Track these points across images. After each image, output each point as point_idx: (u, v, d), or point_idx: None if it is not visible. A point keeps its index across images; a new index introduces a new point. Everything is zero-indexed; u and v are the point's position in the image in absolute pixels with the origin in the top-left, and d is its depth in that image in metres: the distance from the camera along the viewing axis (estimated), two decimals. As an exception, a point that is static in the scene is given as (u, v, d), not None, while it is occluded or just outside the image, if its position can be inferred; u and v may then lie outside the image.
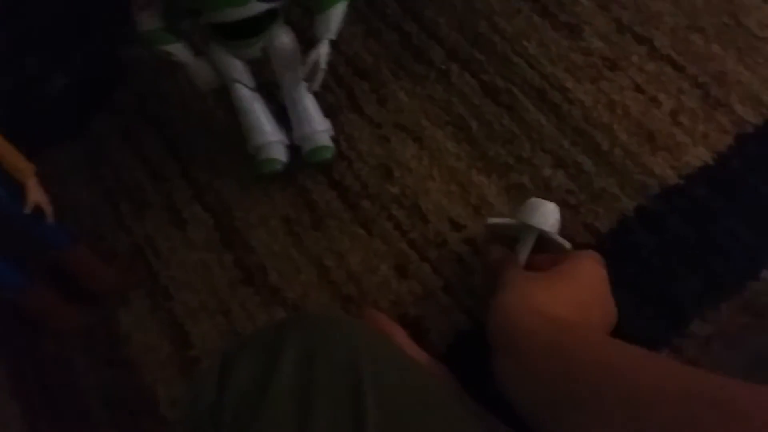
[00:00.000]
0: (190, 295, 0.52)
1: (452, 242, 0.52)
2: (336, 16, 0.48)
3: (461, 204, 0.54)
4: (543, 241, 0.46)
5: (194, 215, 0.56)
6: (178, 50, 0.50)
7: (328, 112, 0.58)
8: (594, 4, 0.61)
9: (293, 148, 0.56)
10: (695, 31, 0.59)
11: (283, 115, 0.55)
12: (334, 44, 0.63)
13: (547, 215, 0.46)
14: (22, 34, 0.55)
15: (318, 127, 0.54)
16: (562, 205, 0.52)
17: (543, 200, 0.46)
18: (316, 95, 0.57)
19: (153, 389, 0.49)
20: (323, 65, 0.49)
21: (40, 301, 0.49)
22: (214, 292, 0.52)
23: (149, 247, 0.55)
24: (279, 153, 0.54)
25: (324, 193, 0.56)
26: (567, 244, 0.45)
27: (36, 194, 0.45)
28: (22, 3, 0.53)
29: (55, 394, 0.50)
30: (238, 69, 0.51)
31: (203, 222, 0.55)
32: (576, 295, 0.40)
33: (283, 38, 0.50)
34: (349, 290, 0.51)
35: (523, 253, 0.45)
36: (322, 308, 0.51)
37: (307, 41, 0.51)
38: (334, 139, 0.57)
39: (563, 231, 0.51)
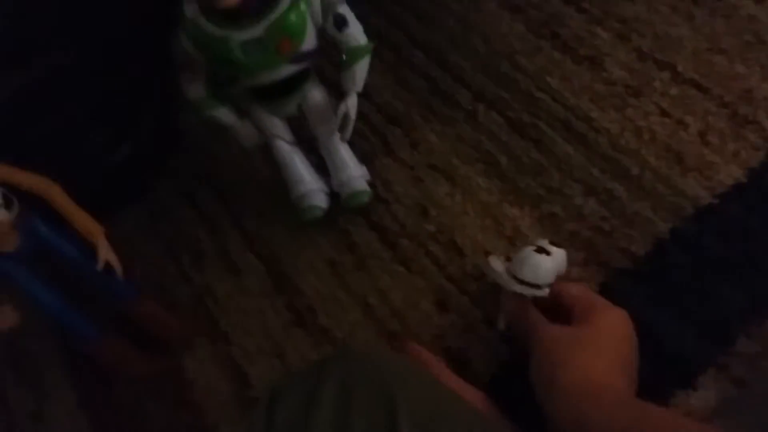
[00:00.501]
0: (248, 339, 0.56)
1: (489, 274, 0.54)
2: (360, 70, 0.52)
3: (496, 236, 0.56)
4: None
5: (247, 263, 0.60)
6: (223, 114, 0.55)
7: (364, 158, 0.62)
8: (612, 35, 0.63)
9: (333, 195, 0.60)
10: (717, 53, 0.60)
11: (322, 165, 0.60)
12: (366, 95, 0.67)
13: (537, 268, 0.46)
14: (93, 108, 0.62)
15: (354, 173, 0.58)
16: (597, 231, 0.54)
17: (535, 253, 0.46)
18: (352, 143, 0.61)
19: (216, 428, 0.52)
20: (352, 116, 0.53)
21: (114, 351, 0.54)
22: (269, 335, 0.56)
23: (209, 295, 0.59)
24: (319, 200, 0.58)
25: (364, 234, 0.59)
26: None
27: (106, 252, 0.50)
28: (92, 79, 0.59)
29: (130, 437, 0.54)
30: (277, 126, 0.56)
31: (256, 269, 0.60)
32: (619, 354, 0.41)
33: (316, 94, 0.54)
34: (394, 326, 0.54)
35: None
36: (368, 345, 0.53)
37: (340, 95, 0.56)
38: (371, 184, 0.61)
39: (599, 258, 0.53)
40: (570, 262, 0.53)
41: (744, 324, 0.47)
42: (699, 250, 0.50)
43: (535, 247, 0.47)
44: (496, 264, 0.48)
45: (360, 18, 0.52)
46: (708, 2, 0.63)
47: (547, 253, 0.46)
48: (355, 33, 0.51)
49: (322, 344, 0.54)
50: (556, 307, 0.46)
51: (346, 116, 0.54)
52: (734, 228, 0.51)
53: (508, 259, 0.48)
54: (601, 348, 0.41)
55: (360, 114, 0.66)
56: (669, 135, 0.56)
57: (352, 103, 0.53)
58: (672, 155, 0.55)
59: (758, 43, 0.60)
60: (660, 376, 0.46)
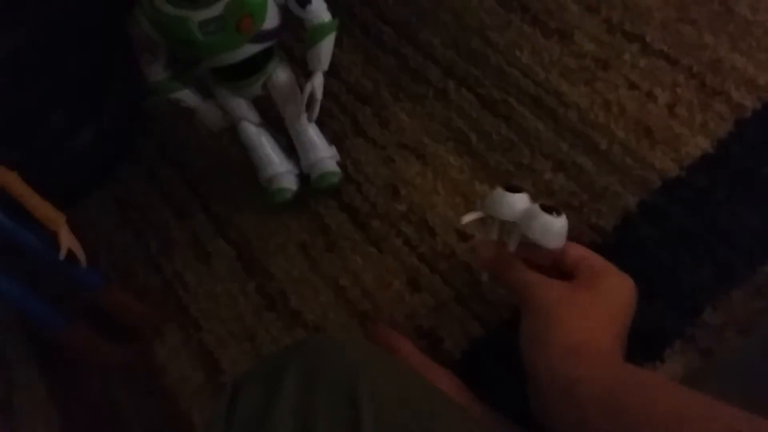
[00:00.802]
0: (218, 324, 0.56)
1: (460, 252, 0.54)
2: (325, 48, 0.51)
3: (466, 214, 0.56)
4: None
5: (217, 248, 0.59)
6: (186, 96, 0.54)
7: (334, 138, 0.61)
8: (582, 8, 0.63)
9: (303, 177, 0.59)
10: (686, 23, 0.60)
11: (291, 146, 0.59)
12: (335, 74, 0.66)
13: (513, 205, 0.44)
14: (49, 92, 0.60)
15: (323, 154, 0.57)
16: (566, 207, 0.54)
17: (506, 192, 0.45)
18: (321, 124, 0.60)
19: (189, 415, 0.52)
20: (319, 96, 0.52)
21: (82, 339, 0.53)
22: (240, 319, 0.55)
23: (178, 281, 0.58)
24: (289, 182, 0.57)
25: (335, 216, 0.59)
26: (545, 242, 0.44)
27: (68, 241, 0.49)
28: (48, 62, 0.58)
29: (103, 425, 0.53)
30: (242, 107, 0.55)
31: (226, 254, 0.59)
32: (617, 321, 0.41)
33: (281, 74, 0.53)
34: (365, 307, 0.54)
35: (512, 245, 0.45)
36: (341, 327, 0.53)
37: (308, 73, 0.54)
38: (342, 165, 0.60)
39: (570, 233, 0.52)
40: (540, 238, 0.53)
41: (710, 296, 0.47)
42: (666, 222, 0.50)
43: (539, 204, 0.44)
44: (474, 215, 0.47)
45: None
46: (677, -28, 0.63)
47: (558, 213, 0.44)
48: (319, 10, 0.50)
49: (293, 327, 0.54)
50: (553, 265, 0.45)
51: (312, 96, 0.53)
52: (701, 199, 0.51)
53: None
54: (601, 313, 0.40)
55: (329, 93, 0.65)
56: (638, 108, 0.56)
57: (318, 83, 0.52)
58: (640, 128, 0.55)
59: (726, 13, 0.59)
60: (628, 348, 0.46)
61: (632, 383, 0.35)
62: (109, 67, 0.65)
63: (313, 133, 0.57)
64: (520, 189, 0.45)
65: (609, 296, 0.41)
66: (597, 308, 0.40)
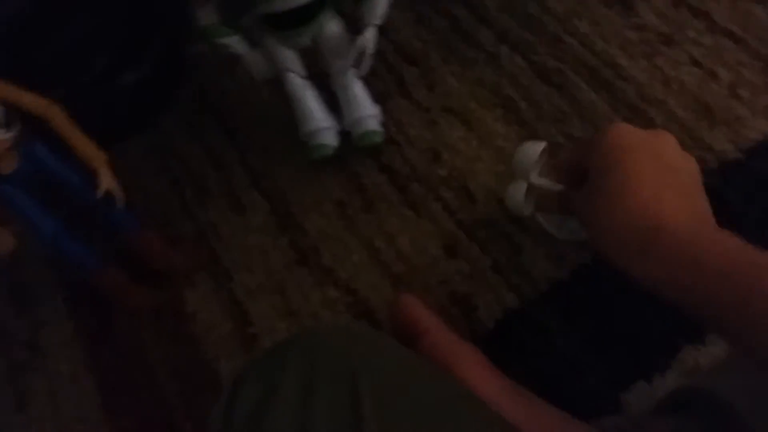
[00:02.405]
0: (249, 276, 0.55)
1: (501, 221, 0.53)
2: (382, 1, 0.49)
3: (509, 184, 0.54)
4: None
5: (252, 201, 0.59)
6: (235, 42, 0.52)
7: (378, 98, 0.59)
8: (647, -21, 0.60)
9: (344, 134, 0.57)
10: (755, 3, 0.57)
11: (334, 104, 0.57)
12: (383, 32, 0.64)
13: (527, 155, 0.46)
14: (92, 35, 0.59)
15: (367, 112, 0.56)
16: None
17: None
18: (366, 82, 0.58)
19: (216, 364, 0.51)
20: (371, 51, 0.51)
21: (113, 281, 0.53)
22: (271, 273, 0.55)
23: (211, 231, 0.58)
24: (330, 138, 0.56)
25: (374, 176, 0.57)
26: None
27: (107, 181, 0.48)
28: (92, 4, 0.57)
29: (128, 367, 0.53)
30: (290, 58, 0.53)
31: (260, 207, 0.58)
32: (681, 181, 0.38)
33: (332, 26, 0.52)
34: (399, 270, 0.53)
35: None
36: (373, 288, 0.52)
37: (357, 30, 0.53)
38: (384, 125, 0.58)
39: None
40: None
41: None
42: (721, 204, 0.48)
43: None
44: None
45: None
46: (751, -52, 0.59)
47: None
48: (376, -39, 0.48)
49: (324, 284, 0.53)
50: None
51: (363, 51, 0.51)
52: (759, 183, 0.49)
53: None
54: (632, 188, 0.36)
55: (376, 51, 0.64)
56: (698, 86, 0.54)
57: (371, 37, 0.51)
58: (700, 107, 0.53)
59: (801, -6, 0.56)
60: (670, 330, 0.45)
61: (710, 237, 0.33)
62: (153, 14, 0.64)
63: (358, 90, 0.55)
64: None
65: (633, 167, 0.37)
66: (626, 185, 0.37)
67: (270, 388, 0.32)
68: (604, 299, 0.47)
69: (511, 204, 0.48)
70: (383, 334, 0.39)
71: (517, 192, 0.47)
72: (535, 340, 0.48)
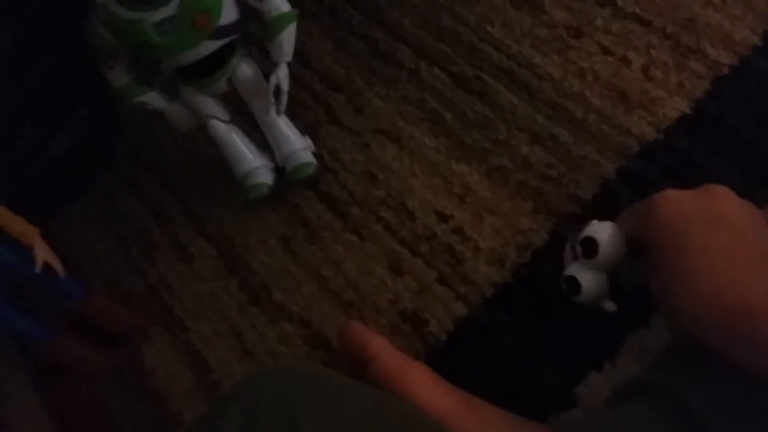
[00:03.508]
0: (204, 324, 0.55)
1: (441, 234, 0.53)
2: (287, 38, 0.50)
3: (445, 195, 0.55)
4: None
5: (199, 248, 0.59)
6: (152, 99, 0.53)
7: (309, 128, 0.60)
8: (551, -24, 0.61)
9: (280, 170, 0.58)
10: (657, -17, 0.58)
11: (267, 140, 0.58)
12: (306, 63, 0.66)
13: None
14: (20, 102, 0.59)
15: (296, 146, 0.56)
16: (544, 179, 0.53)
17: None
18: (295, 114, 0.59)
19: (180, 416, 0.52)
20: (285, 87, 0.52)
21: (69, 350, 0.53)
22: (225, 317, 0.55)
23: (162, 284, 0.58)
24: (264, 177, 0.57)
25: (314, 207, 0.58)
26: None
27: (43, 253, 0.49)
28: (16, 72, 0.57)
29: (95, 431, 0.54)
30: (210, 105, 0.54)
31: (207, 253, 0.58)
32: (740, 247, 0.34)
33: (245, 69, 0.52)
34: (349, 296, 0.53)
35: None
36: (326, 318, 0.53)
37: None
38: (318, 154, 0.59)
39: (548, 205, 0.52)
40: (520, 212, 0.52)
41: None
42: (646, 187, 0.49)
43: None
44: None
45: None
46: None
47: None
48: (277, 1, 0.49)
49: (279, 321, 0.54)
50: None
51: (278, 88, 0.52)
52: (680, 162, 0.50)
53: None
54: (687, 266, 0.34)
55: (301, 83, 0.65)
56: (612, 73, 0.55)
57: (283, 74, 0.52)
58: (616, 94, 0.54)
59: (699, -31, 0.58)
60: (614, 317, 0.46)
61: None
62: (80, 74, 0.64)
63: (284, 126, 0.56)
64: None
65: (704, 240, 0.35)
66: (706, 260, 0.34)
67: None
68: (547, 296, 0.48)
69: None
70: (327, 370, 0.39)
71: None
72: (487, 345, 0.48)
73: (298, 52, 0.52)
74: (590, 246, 0.41)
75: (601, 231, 0.41)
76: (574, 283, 0.43)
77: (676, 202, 0.37)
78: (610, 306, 0.43)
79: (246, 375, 0.50)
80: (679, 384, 0.38)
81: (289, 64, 0.52)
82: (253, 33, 0.54)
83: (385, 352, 0.45)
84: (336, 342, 0.51)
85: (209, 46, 0.48)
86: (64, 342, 0.53)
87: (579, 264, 0.43)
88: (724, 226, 0.35)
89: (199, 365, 0.54)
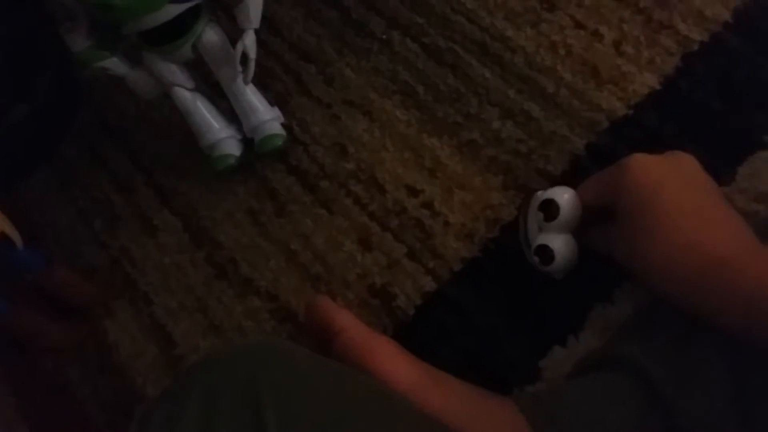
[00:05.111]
0: (169, 297, 0.54)
1: (411, 208, 0.53)
2: (254, 4, 0.48)
3: (416, 169, 0.54)
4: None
5: (163, 221, 0.58)
6: (113, 64, 0.51)
7: (278, 99, 0.59)
8: (526, -53, 0.60)
9: (248, 141, 0.57)
10: (632, -44, 0.58)
11: (234, 110, 0.56)
12: (277, 32, 0.64)
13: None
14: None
15: (265, 116, 0.55)
16: (515, 154, 0.53)
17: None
18: (265, 85, 0.58)
19: (143, 390, 0.51)
20: (252, 55, 0.50)
21: (28, 323, 0.52)
22: (191, 290, 0.54)
23: (125, 257, 0.57)
24: (231, 148, 0.55)
25: (284, 179, 0.57)
26: None
27: (0, 224, 0.47)
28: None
29: (57, 406, 0.52)
30: (174, 72, 0.52)
31: (172, 226, 0.57)
32: (699, 214, 0.37)
33: (211, 35, 0.51)
34: (317, 270, 0.53)
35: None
36: (294, 292, 0.52)
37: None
38: (287, 126, 0.58)
39: (517, 181, 0.52)
40: (490, 187, 0.52)
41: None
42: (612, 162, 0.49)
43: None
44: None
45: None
46: None
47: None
48: (243, -37, 0.47)
49: (245, 295, 0.53)
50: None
51: (245, 56, 0.50)
52: (650, 138, 0.50)
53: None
54: (660, 223, 0.37)
55: (271, 52, 0.63)
56: (584, 48, 0.55)
57: (249, 42, 0.50)
58: (587, 69, 0.54)
59: (674, -56, 0.57)
60: (578, 292, 0.46)
61: (761, 264, 0.33)
62: (39, 41, 0.62)
63: (251, 96, 0.55)
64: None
65: (670, 201, 0.37)
66: (670, 220, 0.37)
67: (175, 417, 0.31)
68: (514, 270, 0.48)
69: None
70: (292, 346, 0.39)
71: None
72: (454, 320, 0.48)
73: (267, 20, 0.50)
74: (551, 207, 0.43)
75: (559, 193, 0.43)
76: (546, 252, 0.43)
77: (646, 166, 0.39)
78: (558, 273, 0.44)
79: (208, 352, 0.50)
80: (640, 355, 0.38)
81: (259, 32, 0.51)
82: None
83: (351, 327, 0.44)
84: (303, 315, 0.51)
85: (173, 10, 0.47)
86: (23, 314, 0.52)
87: (544, 232, 0.44)
88: (695, 187, 0.38)
89: (163, 339, 0.53)
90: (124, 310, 0.54)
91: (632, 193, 0.38)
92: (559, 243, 0.43)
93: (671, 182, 0.38)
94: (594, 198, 0.42)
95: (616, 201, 0.39)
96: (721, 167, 0.46)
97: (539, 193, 0.45)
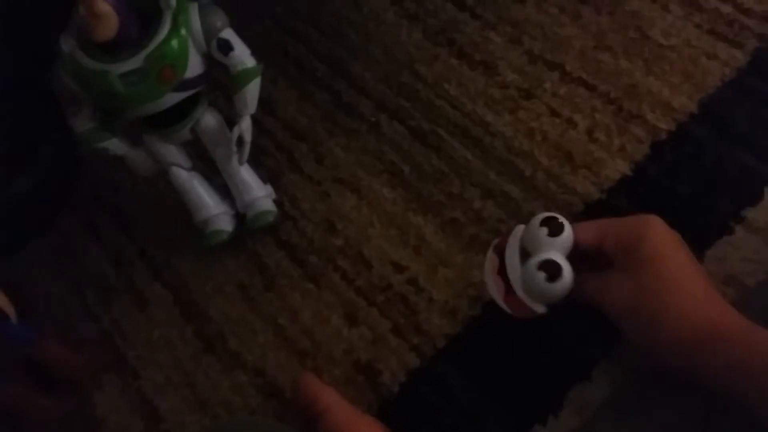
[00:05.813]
0: (157, 372, 0.55)
1: (396, 284, 0.55)
2: (251, 92, 0.51)
3: (401, 246, 0.57)
4: None
5: (155, 294, 0.59)
6: (114, 145, 0.54)
7: (271, 175, 0.62)
8: (505, 39, 0.65)
9: (240, 216, 0.59)
10: (603, 50, 0.62)
11: (228, 186, 0.59)
12: (271, 111, 0.68)
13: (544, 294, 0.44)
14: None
15: (257, 194, 0.58)
16: (495, 233, 0.55)
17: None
18: (258, 162, 0.60)
19: (129, 466, 0.51)
20: (247, 139, 0.53)
21: (18, 397, 0.52)
22: (179, 365, 0.55)
23: (116, 330, 0.58)
24: (224, 224, 0.58)
25: (273, 254, 0.59)
26: None
27: (-6, 299, 0.48)
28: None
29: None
30: (172, 153, 0.55)
31: (163, 299, 0.59)
32: (687, 276, 0.40)
33: (208, 119, 0.54)
34: (305, 345, 0.54)
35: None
36: (281, 368, 0.53)
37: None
38: (278, 201, 0.60)
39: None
40: (471, 264, 0.54)
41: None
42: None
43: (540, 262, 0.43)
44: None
45: (261, 35, 0.52)
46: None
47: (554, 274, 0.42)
48: (242, 56, 0.51)
49: (233, 370, 0.54)
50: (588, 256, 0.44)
51: (241, 139, 0.53)
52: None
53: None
54: (676, 283, 0.39)
55: (265, 131, 0.66)
56: (559, 134, 0.58)
57: (246, 126, 0.53)
58: (562, 154, 0.57)
59: (641, 38, 0.62)
60: (558, 371, 0.47)
61: (756, 336, 0.36)
62: (43, 116, 0.65)
63: (245, 174, 0.57)
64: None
65: (664, 261, 0.40)
66: (672, 280, 0.40)
67: None
68: (495, 349, 0.50)
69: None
70: (275, 425, 0.40)
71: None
72: (438, 398, 0.49)
73: (263, 101, 0.53)
74: (554, 223, 0.43)
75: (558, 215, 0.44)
76: (553, 266, 0.42)
77: (666, 228, 0.42)
78: (540, 308, 0.44)
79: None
80: None
81: (254, 113, 0.54)
82: (219, 78, 0.55)
83: (335, 406, 0.45)
84: (290, 392, 0.52)
85: (174, 98, 0.50)
86: (15, 388, 0.52)
87: (545, 250, 0.43)
88: (693, 259, 0.42)
89: (150, 414, 0.53)
90: (113, 384, 0.55)
91: (654, 247, 0.40)
92: (563, 260, 0.43)
93: (683, 248, 0.41)
94: (594, 239, 0.43)
95: (631, 251, 0.41)
96: (689, 250, 0.49)
97: (520, 226, 0.46)
